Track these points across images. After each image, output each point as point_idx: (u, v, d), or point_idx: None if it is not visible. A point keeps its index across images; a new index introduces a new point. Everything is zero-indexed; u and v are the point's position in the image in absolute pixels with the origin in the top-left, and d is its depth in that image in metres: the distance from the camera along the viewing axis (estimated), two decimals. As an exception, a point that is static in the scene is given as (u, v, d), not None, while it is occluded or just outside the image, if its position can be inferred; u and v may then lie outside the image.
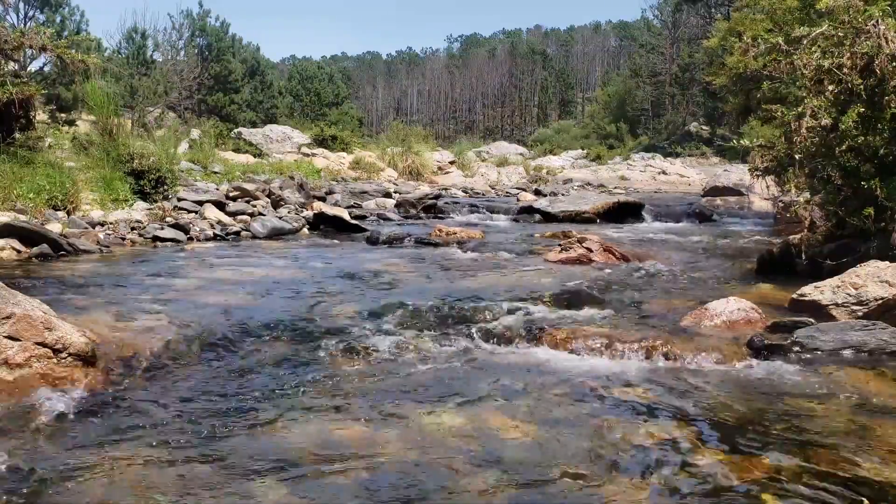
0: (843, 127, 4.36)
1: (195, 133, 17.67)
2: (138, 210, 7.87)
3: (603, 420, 2.54)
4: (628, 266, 5.70)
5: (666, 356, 3.23)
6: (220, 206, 8.55)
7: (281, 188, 10.15)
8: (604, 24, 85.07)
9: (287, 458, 2.22)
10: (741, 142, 5.85)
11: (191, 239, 7.14)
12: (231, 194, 9.39)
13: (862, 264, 3.92)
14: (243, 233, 7.70)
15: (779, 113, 4.87)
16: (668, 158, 27.96)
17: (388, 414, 2.60)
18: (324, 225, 8.44)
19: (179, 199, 8.55)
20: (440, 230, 7.57)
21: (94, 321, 3.41)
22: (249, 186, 9.80)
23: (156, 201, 8.28)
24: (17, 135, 8.15)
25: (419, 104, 77.16)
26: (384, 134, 27.64)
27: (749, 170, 6.27)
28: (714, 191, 14.13)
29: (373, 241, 7.30)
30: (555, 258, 5.89)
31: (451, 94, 74.00)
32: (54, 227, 6.34)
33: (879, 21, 4.29)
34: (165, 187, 8.58)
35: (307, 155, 19.37)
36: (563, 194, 13.42)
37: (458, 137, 49.21)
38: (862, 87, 4.35)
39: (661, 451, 2.28)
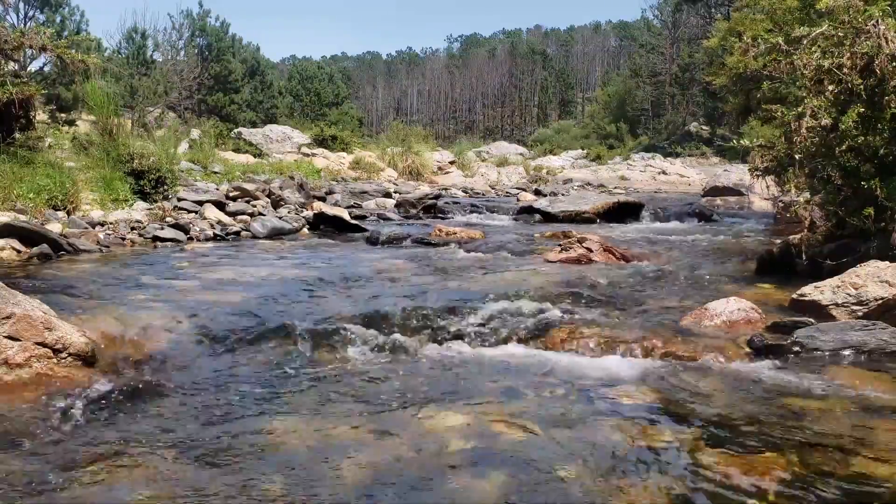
0: (843, 127, 4.36)
1: (195, 133, 17.67)
2: (138, 210, 7.87)
3: (603, 420, 2.54)
4: (628, 266, 5.70)
5: (666, 356, 3.23)
6: (220, 206, 8.55)
7: (281, 188, 10.15)
8: (604, 24, 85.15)
9: (287, 457, 2.22)
10: (741, 142, 5.85)
11: (191, 239, 7.14)
12: (231, 194, 9.39)
13: (862, 264, 3.92)
14: (243, 233, 7.70)
15: (779, 113, 4.86)
16: (668, 158, 27.97)
17: (388, 414, 2.60)
18: (324, 225, 8.43)
19: (179, 199, 8.55)
20: (440, 230, 7.57)
21: (94, 321, 3.41)
22: (249, 186, 9.80)
23: (156, 201, 8.28)
24: (17, 135, 8.14)
25: (419, 104, 77.16)
26: (384, 134, 27.66)
27: (749, 170, 6.27)
28: (714, 191, 14.13)
29: (373, 241, 7.30)
30: (555, 258, 5.88)
31: (451, 94, 74.01)
32: (54, 227, 6.33)
33: (879, 21, 4.29)
34: (165, 187, 8.58)
35: (307, 155, 19.38)
36: (563, 194, 13.42)
37: (458, 137, 49.22)
38: (862, 87, 4.35)
39: (660, 451, 2.28)
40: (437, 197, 11.63)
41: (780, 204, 7.97)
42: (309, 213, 8.96)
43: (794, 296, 3.98)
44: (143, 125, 19.44)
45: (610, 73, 67.60)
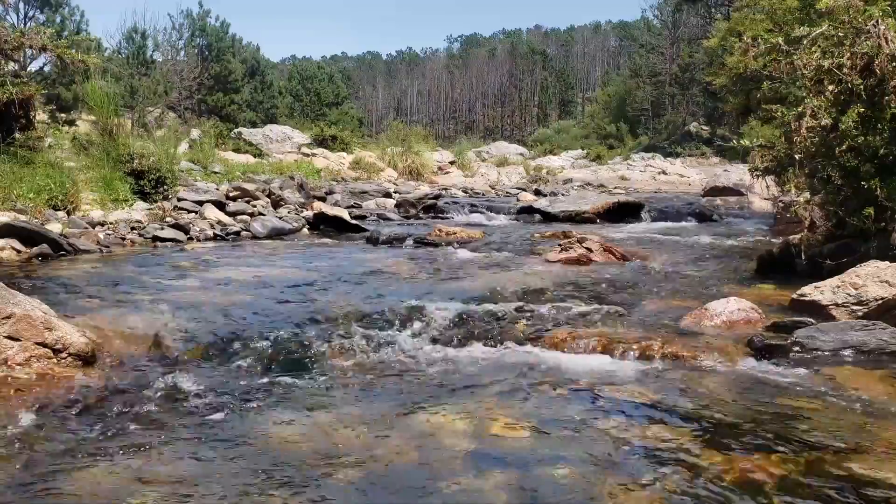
0: (843, 127, 4.36)
1: (195, 133, 17.66)
2: (138, 210, 7.87)
3: (603, 420, 2.54)
4: (628, 266, 5.70)
5: (666, 356, 3.23)
6: (220, 206, 8.55)
7: (281, 188, 10.15)
8: (604, 24, 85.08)
9: (287, 457, 2.22)
10: (741, 142, 5.85)
11: (191, 239, 7.14)
12: (231, 194, 9.38)
13: (862, 264, 3.92)
14: (243, 233, 7.70)
15: (779, 113, 4.87)
16: (668, 158, 27.96)
17: (388, 414, 2.60)
18: (324, 225, 8.43)
19: (179, 199, 8.55)
20: (440, 230, 7.57)
21: (93, 321, 3.42)
22: (249, 186, 9.80)
23: (156, 201, 8.28)
24: (17, 135, 8.14)
25: (419, 104, 77.15)
26: (384, 134, 27.61)
27: (749, 170, 6.27)
28: (714, 191, 14.13)
29: (373, 241, 7.30)
30: (555, 258, 5.88)
31: (451, 94, 73.99)
32: (54, 227, 6.33)
33: (879, 21, 4.29)
34: (165, 187, 8.58)
35: (307, 155, 19.37)
36: (563, 194, 13.42)
37: (458, 137, 49.17)
38: (862, 87, 4.35)
39: (660, 451, 2.28)
40: (437, 197, 11.62)
41: (780, 204, 7.96)
42: (309, 213, 8.96)
43: (794, 296, 3.98)
44: (143, 125, 19.43)
45: (610, 73, 67.61)
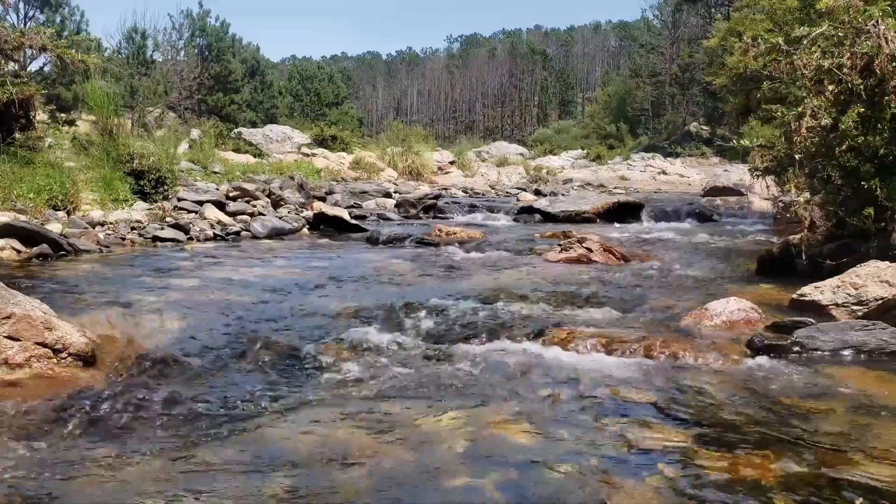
0: (843, 127, 4.36)
1: (195, 133, 17.66)
2: (138, 210, 7.87)
3: (603, 420, 2.54)
4: (628, 266, 5.70)
5: (666, 356, 3.23)
6: (220, 206, 8.55)
7: (281, 188, 10.15)
8: (604, 24, 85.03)
9: (287, 457, 2.22)
10: (741, 142, 5.85)
11: (191, 239, 7.14)
12: (231, 194, 9.39)
13: (862, 264, 3.92)
14: (243, 233, 7.70)
15: (779, 113, 4.87)
16: (668, 158, 27.95)
17: (388, 414, 2.59)
18: (324, 225, 8.44)
19: (179, 199, 8.55)
20: (440, 230, 7.57)
21: (94, 321, 3.42)
22: (249, 186, 9.80)
23: (156, 201, 8.28)
24: (17, 135, 8.14)
25: (419, 104, 77.12)
26: (384, 134, 27.60)
27: (749, 170, 6.27)
28: (714, 191, 14.13)
29: (373, 241, 7.30)
30: (555, 258, 5.89)
31: (451, 94, 73.97)
32: (54, 227, 6.33)
33: (879, 21, 4.29)
34: (165, 187, 8.58)
35: (307, 155, 19.37)
36: (563, 194, 13.42)
37: (458, 137, 49.16)
38: (862, 87, 4.35)
39: (660, 452, 2.28)
40: (437, 197, 11.63)
41: (780, 204, 7.96)
42: (309, 213, 8.96)
43: (794, 296, 3.98)
44: (143, 125, 19.43)
45: (610, 73, 67.59)
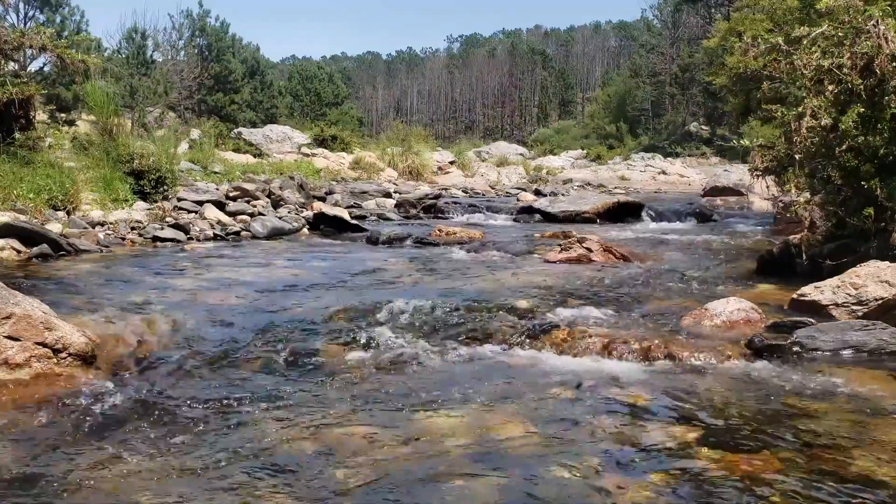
0: (843, 127, 4.35)
1: (195, 133, 17.66)
2: (138, 210, 7.87)
3: (603, 420, 2.54)
4: (628, 266, 5.70)
5: (666, 356, 3.23)
6: (220, 206, 8.55)
7: (281, 188, 10.15)
8: (604, 24, 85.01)
9: (286, 456, 2.22)
10: (741, 142, 5.85)
11: (191, 239, 7.14)
12: (231, 194, 9.39)
13: (862, 264, 3.92)
14: (243, 233, 7.70)
15: (779, 113, 4.86)
16: (668, 158, 27.95)
17: (388, 414, 2.60)
18: (324, 225, 8.43)
19: (179, 199, 8.55)
20: (440, 230, 7.57)
21: (94, 321, 3.42)
22: (249, 186, 9.80)
23: (156, 201, 8.28)
24: (17, 135, 8.14)
25: (419, 104, 77.10)
26: (384, 134, 27.59)
27: (749, 170, 6.27)
28: (714, 191, 14.13)
29: (373, 241, 7.30)
30: (555, 258, 5.89)
31: (451, 94, 73.98)
32: (54, 227, 6.33)
33: (879, 21, 4.28)
34: (165, 187, 8.58)
35: (307, 155, 19.35)
36: (563, 194, 13.41)
37: (458, 137, 49.20)
38: (862, 87, 4.35)
39: (661, 452, 2.28)
40: (437, 197, 11.62)
41: (780, 204, 7.95)
42: (309, 214, 8.96)
43: (794, 296, 3.98)
44: (143, 125, 19.45)
45: (610, 73, 67.52)
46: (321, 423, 2.50)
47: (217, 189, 9.85)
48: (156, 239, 6.88)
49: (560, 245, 6.16)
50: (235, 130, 23.14)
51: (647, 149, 33.68)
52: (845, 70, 4.39)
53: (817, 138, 4.58)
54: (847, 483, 2.04)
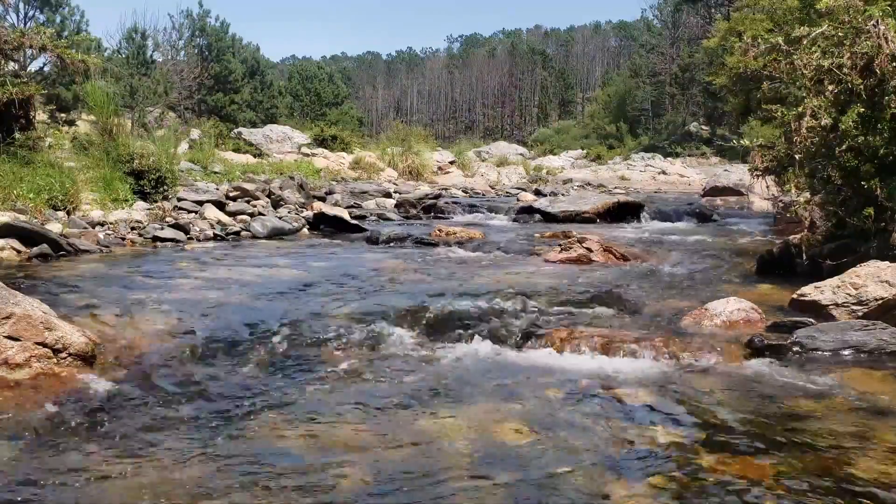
0: (843, 127, 4.35)
1: (195, 133, 17.66)
2: (138, 210, 7.86)
3: (603, 420, 2.54)
4: (628, 266, 5.70)
5: (666, 356, 3.23)
6: (220, 206, 8.54)
7: (281, 188, 10.14)
8: (604, 24, 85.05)
9: (286, 456, 2.22)
10: (741, 142, 5.85)
11: (191, 239, 7.13)
12: (231, 194, 9.38)
13: (862, 264, 3.92)
14: (243, 233, 7.69)
15: (779, 113, 4.86)
16: (668, 158, 27.97)
17: (388, 414, 2.60)
18: (324, 225, 8.43)
19: (179, 199, 8.54)
20: (440, 230, 7.57)
21: (94, 321, 3.42)
22: (249, 186, 9.79)
23: (156, 201, 8.28)
24: (17, 135, 8.13)
25: (419, 104, 77.11)
26: (384, 134, 27.60)
27: (749, 170, 6.27)
28: (714, 191, 14.14)
29: (373, 241, 7.29)
30: (555, 258, 5.88)
31: (451, 94, 74.00)
32: (54, 227, 6.33)
33: (879, 21, 4.28)
34: (165, 187, 8.57)
35: (307, 155, 19.35)
36: (563, 194, 13.40)
37: (458, 137, 49.22)
38: (862, 87, 4.35)
39: (661, 452, 2.28)
40: (437, 197, 11.62)
41: (780, 204, 7.95)
42: (309, 213, 8.95)
43: (794, 296, 3.98)
44: (143, 125, 19.45)
45: (610, 73, 67.53)
46: (321, 422, 2.50)
47: (217, 189, 9.85)
48: (156, 239, 6.88)
49: (560, 245, 6.16)
50: (235, 130, 23.14)
51: (647, 149, 33.70)
52: (845, 70, 4.39)
53: (817, 138, 4.58)
54: (847, 483, 2.04)
